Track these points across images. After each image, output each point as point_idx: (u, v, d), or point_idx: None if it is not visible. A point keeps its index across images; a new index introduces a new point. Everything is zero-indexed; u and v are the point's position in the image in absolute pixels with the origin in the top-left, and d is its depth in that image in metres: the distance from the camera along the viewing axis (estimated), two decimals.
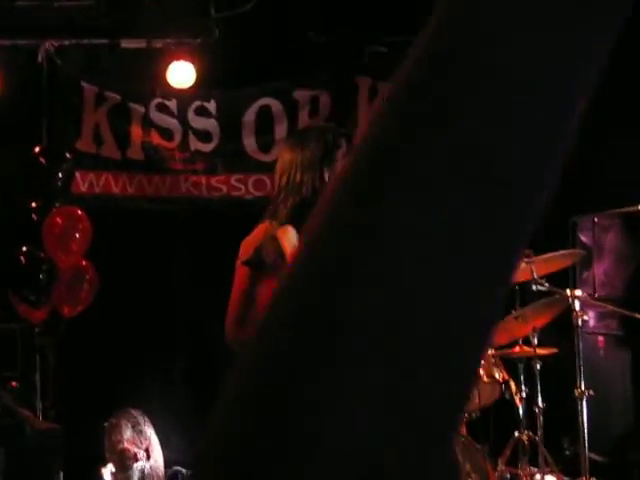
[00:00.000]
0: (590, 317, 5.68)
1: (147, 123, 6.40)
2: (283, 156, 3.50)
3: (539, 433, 5.16)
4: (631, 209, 5.51)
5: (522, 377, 5.30)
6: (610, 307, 5.52)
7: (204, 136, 6.48)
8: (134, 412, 5.47)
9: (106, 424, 5.48)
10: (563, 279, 5.57)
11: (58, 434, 5.04)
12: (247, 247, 3.46)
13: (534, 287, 5.11)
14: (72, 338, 5.94)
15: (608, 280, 5.96)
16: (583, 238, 6.16)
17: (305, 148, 3.41)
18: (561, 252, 5.37)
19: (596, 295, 5.86)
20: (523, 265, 4.94)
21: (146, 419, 5.45)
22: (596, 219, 6.03)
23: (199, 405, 5.80)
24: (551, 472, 5.08)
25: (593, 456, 5.06)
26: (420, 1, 1.69)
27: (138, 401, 5.64)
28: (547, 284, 5.09)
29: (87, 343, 5.98)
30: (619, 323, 5.89)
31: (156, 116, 6.41)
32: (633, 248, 5.83)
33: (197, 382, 6.13)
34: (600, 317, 5.99)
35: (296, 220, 3.29)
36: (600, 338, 6.02)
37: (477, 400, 4.98)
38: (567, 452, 5.83)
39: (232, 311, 3.46)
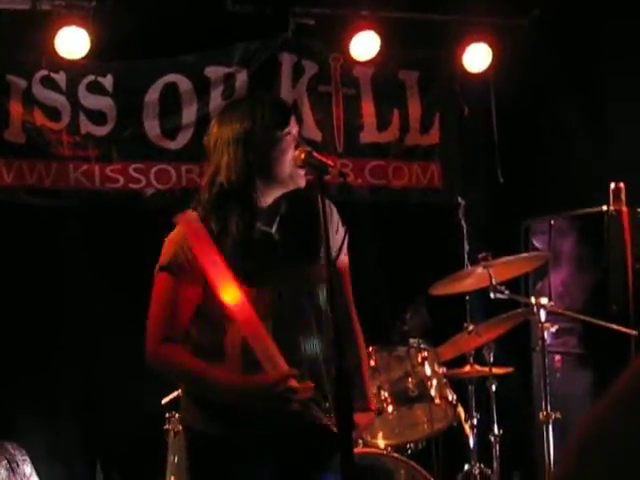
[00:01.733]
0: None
1: (29, 100, 5.87)
2: (211, 134, 3.13)
3: (494, 466, 4.91)
4: (593, 210, 5.42)
5: (473, 401, 5.04)
6: (569, 322, 5.33)
7: (97, 117, 5.99)
8: (9, 446, 5.07)
9: None
10: (514, 290, 5.23)
11: None
12: (170, 246, 3.05)
13: (492, 295, 4.79)
14: None
15: (566, 291, 5.68)
16: (537, 243, 5.91)
17: (230, 124, 3.03)
18: (523, 255, 5.18)
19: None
20: (480, 270, 4.76)
21: (24, 455, 5.06)
22: (552, 222, 5.77)
23: (90, 438, 5.42)
24: None
25: None
26: None
27: (14, 433, 5.25)
28: (507, 292, 4.82)
29: None
30: (579, 340, 5.62)
31: (40, 92, 5.89)
32: (595, 255, 5.57)
33: (87, 410, 5.77)
34: (557, 333, 5.61)
35: (219, 210, 2.97)
36: (557, 357, 5.75)
37: (425, 426, 4.70)
38: None
39: (154, 326, 3.03)
